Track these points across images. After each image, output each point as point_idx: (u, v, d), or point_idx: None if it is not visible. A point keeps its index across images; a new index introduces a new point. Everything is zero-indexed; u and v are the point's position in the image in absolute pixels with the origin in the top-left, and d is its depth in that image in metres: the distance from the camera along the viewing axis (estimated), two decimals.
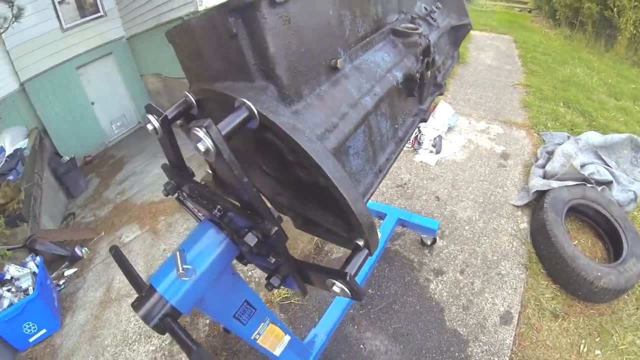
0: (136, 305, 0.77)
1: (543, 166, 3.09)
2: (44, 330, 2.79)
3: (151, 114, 0.76)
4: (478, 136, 3.76)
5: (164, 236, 3.57)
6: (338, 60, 0.75)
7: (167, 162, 0.98)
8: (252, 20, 0.60)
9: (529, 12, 10.00)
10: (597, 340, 1.81)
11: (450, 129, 3.87)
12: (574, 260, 1.99)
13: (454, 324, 1.98)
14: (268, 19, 0.60)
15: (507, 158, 3.39)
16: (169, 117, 0.78)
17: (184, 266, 0.77)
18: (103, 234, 4.12)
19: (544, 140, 3.53)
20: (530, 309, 1.99)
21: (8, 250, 3.33)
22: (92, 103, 6.68)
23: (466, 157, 3.45)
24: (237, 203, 0.79)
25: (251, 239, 0.72)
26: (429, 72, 1.04)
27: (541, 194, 2.67)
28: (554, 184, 2.66)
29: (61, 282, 3.51)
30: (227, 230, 0.82)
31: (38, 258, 3.25)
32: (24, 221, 3.92)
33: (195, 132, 0.56)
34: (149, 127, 0.77)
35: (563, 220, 2.30)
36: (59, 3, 5.75)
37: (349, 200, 0.62)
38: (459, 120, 4.01)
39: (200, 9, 5.54)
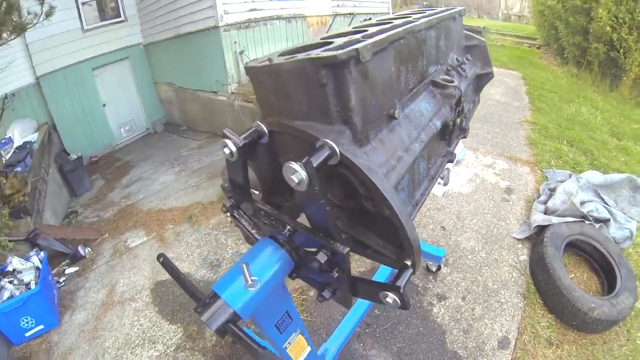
0: (200, 310, 0.87)
1: (545, 202, 3.32)
2: (41, 326, 2.85)
3: (228, 139, 0.89)
4: (484, 170, 4.02)
5: (172, 245, 3.70)
6: (396, 111, 0.92)
7: (227, 183, 1.09)
8: (340, 75, 0.73)
9: (538, 48, 10.51)
10: None
11: (458, 162, 4.13)
12: (570, 292, 2.19)
13: (455, 346, 2.16)
14: (353, 74, 0.74)
15: (511, 193, 3.62)
16: (245, 143, 0.90)
17: (252, 278, 0.88)
18: (107, 235, 4.23)
19: (546, 177, 3.77)
20: (527, 335, 2.17)
21: (10, 241, 3.40)
22: (104, 105, 6.92)
23: (472, 190, 3.68)
24: (295, 223, 0.93)
25: (322, 257, 0.85)
26: (459, 119, 1.25)
27: (541, 229, 2.88)
28: (554, 219, 2.87)
29: (61, 280, 3.58)
30: (287, 247, 0.95)
31: (42, 253, 3.35)
32: (28, 214, 4.01)
33: (291, 165, 0.69)
34: (226, 150, 0.90)
35: (561, 255, 2.51)
36: (83, 4, 6.07)
37: (407, 229, 0.79)
38: (467, 154, 4.28)
39: (221, 24, 5.85)
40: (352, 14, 8.79)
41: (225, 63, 6.24)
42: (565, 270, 2.39)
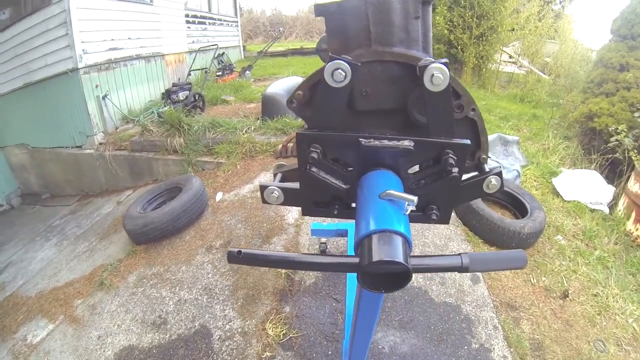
0: (368, 255, 0.74)
1: None
2: None
3: (339, 60, 0.86)
4: None
5: (92, 321, 3.07)
6: None
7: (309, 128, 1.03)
8: (427, 10, 0.91)
9: None
10: (538, 272, 2.53)
11: None
12: (503, 222, 2.72)
13: (441, 298, 2.42)
14: (431, 11, 0.94)
15: None
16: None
17: (412, 197, 0.83)
18: None
19: None
20: None
21: None
22: None
23: None
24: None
25: (453, 157, 0.93)
26: None
27: None
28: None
29: None
30: (396, 170, 0.99)
31: None
32: None
33: (437, 65, 0.79)
34: (340, 73, 0.87)
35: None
36: None
37: (484, 126, 0.97)
38: None
39: (80, 66, 5.34)
40: (209, 48, 8.98)
41: (88, 110, 5.69)
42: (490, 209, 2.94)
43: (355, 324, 1.33)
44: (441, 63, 0.80)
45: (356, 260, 0.79)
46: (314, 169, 1.01)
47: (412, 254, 0.82)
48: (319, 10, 0.97)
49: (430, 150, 0.96)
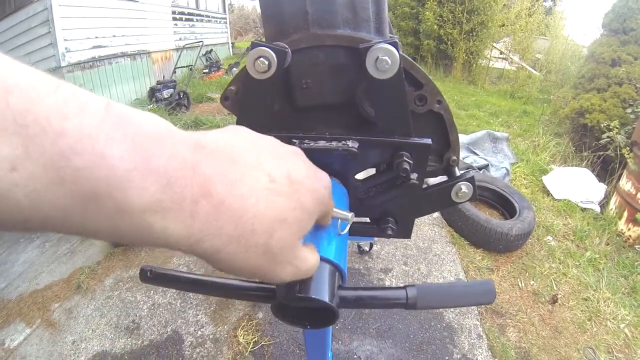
0: (288, 291, 0.56)
1: None
2: None
3: (263, 47, 0.70)
4: None
5: (67, 326, 2.95)
6: None
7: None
8: None
9: None
10: (527, 275, 2.35)
11: None
12: (490, 223, 2.52)
13: None
14: None
15: None
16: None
17: (347, 212, 0.65)
18: None
19: None
20: (472, 271, 2.42)
21: None
22: None
23: None
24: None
25: (408, 159, 0.74)
26: None
27: None
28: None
29: None
30: (341, 179, 0.80)
31: None
32: None
33: (383, 46, 0.62)
34: (262, 61, 0.70)
35: None
36: None
37: (453, 121, 0.76)
38: None
39: (63, 64, 5.13)
40: (196, 46, 8.81)
41: None
42: (477, 209, 2.76)
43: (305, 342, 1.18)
44: (388, 43, 0.62)
45: (272, 289, 0.61)
46: None
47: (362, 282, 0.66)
48: None
49: (382, 152, 0.79)
